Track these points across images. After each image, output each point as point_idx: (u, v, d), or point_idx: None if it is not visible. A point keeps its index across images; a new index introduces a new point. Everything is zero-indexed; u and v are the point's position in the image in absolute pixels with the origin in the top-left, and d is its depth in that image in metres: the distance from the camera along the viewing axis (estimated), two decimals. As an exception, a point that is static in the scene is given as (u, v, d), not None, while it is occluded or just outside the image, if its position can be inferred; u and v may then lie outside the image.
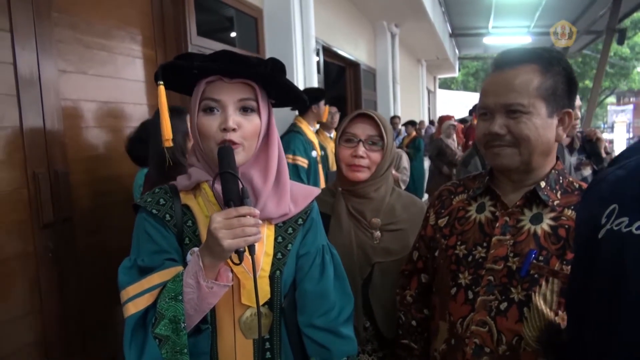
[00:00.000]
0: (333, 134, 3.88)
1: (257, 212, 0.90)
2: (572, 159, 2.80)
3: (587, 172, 2.87)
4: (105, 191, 2.37)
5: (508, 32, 11.89)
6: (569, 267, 0.93)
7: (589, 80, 19.67)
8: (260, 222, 0.90)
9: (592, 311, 0.67)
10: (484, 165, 2.64)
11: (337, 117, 3.95)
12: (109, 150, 2.40)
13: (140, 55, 2.64)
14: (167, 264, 0.96)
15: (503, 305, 0.99)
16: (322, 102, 3.45)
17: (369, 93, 7.50)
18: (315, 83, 4.21)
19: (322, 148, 3.58)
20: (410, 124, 7.67)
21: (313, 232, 1.12)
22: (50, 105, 2.01)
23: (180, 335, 0.89)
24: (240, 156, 0.97)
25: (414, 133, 7.43)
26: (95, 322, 2.25)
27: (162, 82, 1.00)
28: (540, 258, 0.97)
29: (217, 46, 3.28)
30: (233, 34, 3.80)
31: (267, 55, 3.47)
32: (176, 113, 1.70)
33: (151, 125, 1.93)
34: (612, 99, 26.15)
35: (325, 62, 5.55)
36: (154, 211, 1.00)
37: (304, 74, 4.08)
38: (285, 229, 1.08)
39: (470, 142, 5.65)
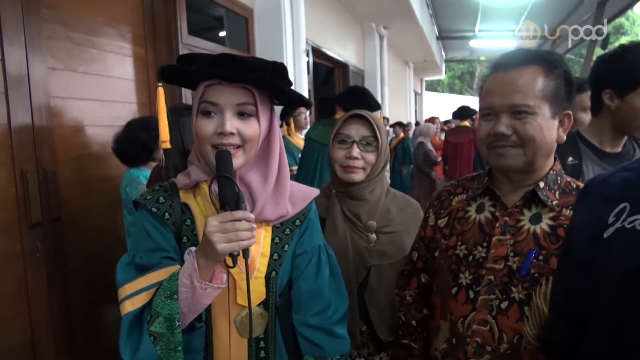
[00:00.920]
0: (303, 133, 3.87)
1: (252, 216, 0.90)
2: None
3: None
4: (94, 191, 2.34)
5: (494, 36, 12.01)
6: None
7: (572, 84, 19.96)
8: (254, 226, 0.90)
9: (601, 313, 0.67)
10: None
11: (307, 116, 3.93)
12: (98, 149, 2.36)
13: (131, 54, 2.61)
14: (165, 262, 0.97)
15: (504, 304, 0.99)
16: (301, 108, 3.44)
17: (357, 94, 7.49)
18: (305, 83, 4.20)
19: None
20: (399, 125, 7.70)
21: (310, 232, 1.12)
22: (38, 102, 1.97)
23: (175, 333, 0.90)
24: (239, 159, 0.97)
25: (402, 134, 7.46)
26: (84, 322, 2.22)
27: (161, 84, 1.01)
28: (540, 257, 0.98)
29: (208, 45, 3.26)
30: (223, 33, 3.78)
31: (258, 56, 3.46)
32: (188, 112, 1.67)
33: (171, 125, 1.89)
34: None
35: (314, 62, 5.54)
36: (154, 209, 1.01)
37: (294, 74, 4.07)
38: (283, 230, 1.08)
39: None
